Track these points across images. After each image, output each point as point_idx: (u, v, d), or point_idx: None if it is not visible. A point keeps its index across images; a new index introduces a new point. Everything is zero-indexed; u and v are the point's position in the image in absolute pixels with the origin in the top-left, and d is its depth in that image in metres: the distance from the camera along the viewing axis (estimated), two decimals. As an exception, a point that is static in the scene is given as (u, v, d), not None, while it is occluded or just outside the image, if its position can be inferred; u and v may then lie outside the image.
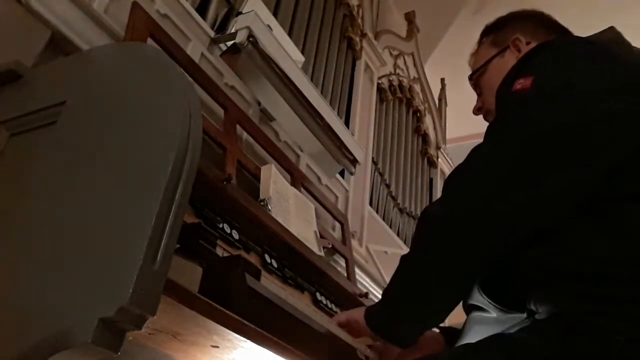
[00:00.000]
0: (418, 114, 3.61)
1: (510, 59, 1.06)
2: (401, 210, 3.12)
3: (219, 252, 1.05)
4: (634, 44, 0.92)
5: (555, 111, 0.80)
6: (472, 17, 4.07)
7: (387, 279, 2.56)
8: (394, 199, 3.05)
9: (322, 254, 1.61)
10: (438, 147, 3.83)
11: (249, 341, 0.84)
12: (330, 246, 1.82)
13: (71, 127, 0.79)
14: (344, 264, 1.92)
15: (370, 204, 2.70)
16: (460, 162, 0.88)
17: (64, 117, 0.79)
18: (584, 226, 0.77)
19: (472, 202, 0.82)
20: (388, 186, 3.00)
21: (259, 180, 1.49)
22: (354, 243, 2.26)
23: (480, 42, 1.19)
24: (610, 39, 0.90)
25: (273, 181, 1.48)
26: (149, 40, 1.24)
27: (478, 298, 0.87)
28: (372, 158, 2.81)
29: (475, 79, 1.16)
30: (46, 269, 0.64)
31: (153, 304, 0.58)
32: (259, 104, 1.77)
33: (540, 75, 0.84)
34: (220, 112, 1.48)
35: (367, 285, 2.34)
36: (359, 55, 2.81)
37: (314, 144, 1.95)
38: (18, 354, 0.58)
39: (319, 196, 1.88)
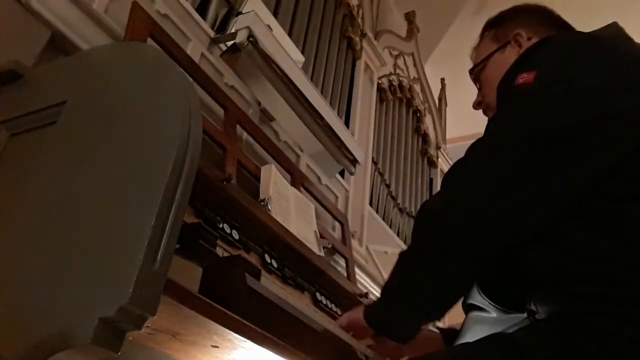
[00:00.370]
0: (418, 114, 3.61)
1: (511, 54, 1.05)
2: (401, 210, 3.12)
3: (219, 252, 1.05)
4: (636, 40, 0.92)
5: (558, 107, 0.79)
6: (472, 17, 4.07)
7: (387, 279, 2.56)
8: (394, 199, 3.05)
9: (322, 254, 1.61)
10: (438, 147, 3.83)
11: (249, 341, 0.84)
12: (330, 246, 1.82)
13: (71, 127, 0.79)
14: (344, 264, 1.92)
15: (370, 204, 2.70)
16: (462, 157, 0.87)
17: (64, 117, 0.79)
18: (584, 226, 0.76)
19: (471, 198, 0.81)
20: (388, 186, 3.00)
21: (259, 180, 1.49)
22: (354, 243, 2.26)
23: (482, 36, 1.19)
24: (613, 34, 0.90)
25: (273, 181, 1.48)
26: (149, 40, 1.24)
27: (477, 298, 0.87)
28: (372, 158, 2.81)
29: (476, 74, 1.15)
30: (46, 269, 0.64)
31: (153, 304, 0.58)
32: (259, 104, 1.77)
33: (543, 70, 0.83)
34: (220, 112, 1.48)
35: (367, 285, 2.34)
36: (359, 55, 2.81)
37: (314, 144, 1.95)
38: (18, 354, 0.58)
39: (319, 196, 1.88)
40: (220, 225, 1.10)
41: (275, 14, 2.05)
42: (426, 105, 3.76)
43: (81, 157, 0.74)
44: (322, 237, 1.70)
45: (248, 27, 1.55)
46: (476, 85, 1.17)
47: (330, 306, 1.42)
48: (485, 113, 1.13)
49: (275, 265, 1.26)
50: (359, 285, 1.92)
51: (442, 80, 4.12)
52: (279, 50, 1.69)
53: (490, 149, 0.84)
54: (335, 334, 1.06)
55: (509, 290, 0.83)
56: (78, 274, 0.61)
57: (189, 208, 1.02)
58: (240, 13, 1.71)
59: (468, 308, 0.93)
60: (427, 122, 3.73)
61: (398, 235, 2.97)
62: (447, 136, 4.04)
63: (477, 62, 1.15)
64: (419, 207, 0.93)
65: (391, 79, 3.27)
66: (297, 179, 1.74)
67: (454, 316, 1.00)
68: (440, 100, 4.06)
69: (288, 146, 1.91)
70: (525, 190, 0.78)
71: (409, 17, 3.73)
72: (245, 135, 1.63)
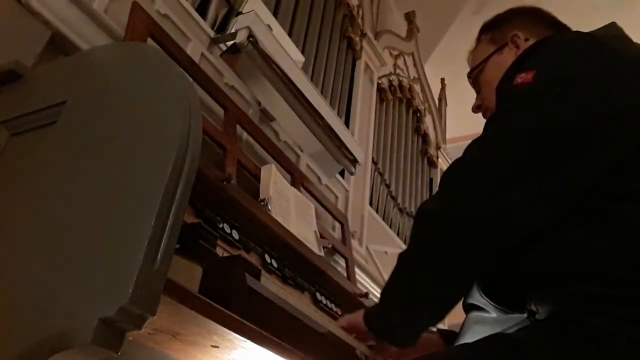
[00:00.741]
0: (418, 114, 3.61)
1: (509, 56, 1.05)
2: (401, 210, 3.12)
3: (219, 252, 1.05)
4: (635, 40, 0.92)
5: (559, 106, 0.79)
6: (472, 17, 4.07)
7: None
8: (394, 199, 3.05)
9: (322, 254, 1.61)
10: (438, 147, 3.83)
11: (249, 341, 0.84)
12: (330, 246, 1.82)
13: (71, 127, 0.79)
14: (344, 264, 1.92)
15: (370, 204, 2.70)
16: (460, 157, 0.87)
17: (64, 117, 0.79)
18: (585, 226, 0.76)
19: (470, 198, 0.80)
20: (388, 186, 3.00)
21: (259, 180, 1.49)
22: (354, 243, 2.26)
23: (478, 40, 1.19)
24: (612, 34, 0.90)
25: (273, 181, 1.48)
26: (149, 40, 1.24)
27: (477, 298, 0.87)
28: (372, 158, 2.81)
29: (474, 76, 1.15)
30: (46, 269, 0.64)
31: (153, 304, 0.58)
32: (259, 104, 1.77)
33: (542, 69, 0.83)
34: (220, 112, 1.48)
35: (367, 285, 2.34)
36: (359, 55, 2.81)
37: (314, 144, 1.95)
38: (18, 354, 0.58)
39: (319, 196, 1.88)
40: (220, 225, 1.10)
41: (275, 14, 2.05)
42: (426, 105, 3.76)
43: (81, 157, 0.74)
44: (322, 237, 1.70)
45: (248, 27, 1.55)
46: (475, 89, 1.17)
47: (330, 306, 1.42)
48: (484, 116, 1.13)
49: (275, 265, 1.26)
50: (359, 285, 1.92)
51: (442, 80, 4.12)
52: (279, 50, 1.69)
53: (489, 149, 0.83)
54: (338, 335, 1.06)
55: (509, 290, 0.82)
56: (78, 274, 0.61)
57: (189, 208, 1.02)
58: (240, 13, 1.71)
59: (468, 308, 0.92)
60: (427, 122, 3.73)
61: (398, 235, 2.97)
62: (447, 136, 4.04)
63: (475, 64, 1.15)
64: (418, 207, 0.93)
65: (391, 79, 3.27)
66: (297, 179, 1.74)
67: (454, 316, 0.99)
68: (440, 100, 4.06)
69: (288, 146, 1.91)
70: (526, 189, 0.78)
71: (409, 17, 3.73)
72: (245, 135, 1.63)
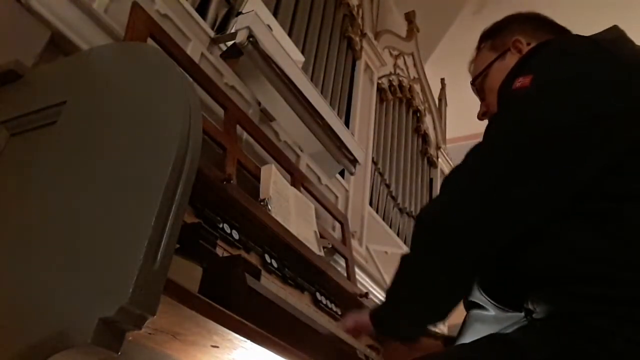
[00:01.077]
0: (418, 114, 3.61)
1: (511, 61, 1.05)
2: (401, 210, 3.12)
3: (219, 252, 1.05)
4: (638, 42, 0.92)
5: (557, 107, 0.80)
6: (472, 17, 4.08)
7: (387, 279, 2.57)
8: (394, 199, 3.05)
9: (322, 254, 1.61)
10: (438, 147, 3.83)
11: (249, 341, 0.84)
12: (330, 246, 1.82)
13: (71, 127, 0.79)
14: (344, 264, 1.92)
15: (370, 204, 2.70)
16: (461, 161, 0.88)
17: (64, 117, 0.79)
18: (584, 226, 0.76)
19: (469, 199, 0.81)
20: (388, 186, 3.00)
21: (259, 180, 1.49)
22: (354, 243, 2.26)
23: (478, 48, 1.19)
24: (613, 37, 0.90)
25: (273, 181, 1.48)
26: (149, 40, 1.24)
27: (477, 296, 0.88)
28: (372, 158, 2.81)
29: (478, 84, 1.15)
30: (46, 269, 0.64)
31: (153, 304, 0.58)
32: (259, 104, 1.77)
33: (539, 73, 0.84)
34: (220, 112, 1.48)
35: (367, 285, 2.34)
36: (359, 55, 2.81)
37: (314, 144, 1.95)
38: (18, 354, 0.58)
39: (319, 196, 1.88)
40: (220, 225, 1.10)
41: (275, 14, 2.05)
42: (426, 105, 3.76)
43: (81, 157, 0.74)
44: (322, 237, 1.70)
45: (248, 27, 1.55)
46: (479, 97, 1.17)
47: (330, 306, 1.42)
48: None
49: (275, 265, 1.26)
50: (359, 285, 1.92)
51: (442, 80, 4.12)
52: (279, 50, 1.69)
53: (488, 151, 0.85)
54: (339, 335, 1.06)
55: (508, 289, 0.83)
56: (78, 274, 0.61)
57: (189, 208, 1.02)
58: (240, 13, 1.71)
59: (469, 305, 0.93)
60: (427, 122, 3.73)
61: (398, 235, 2.97)
62: (447, 136, 4.04)
63: (477, 72, 1.15)
64: (419, 207, 0.94)
65: (391, 79, 3.27)
66: (297, 179, 1.74)
67: (454, 316, 1.00)
68: (440, 100, 4.06)
69: (288, 146, 1.91)
70: (526, 188, 0.78)
71: (409, 17, 3.73)
72: (245, 135, 1.63)
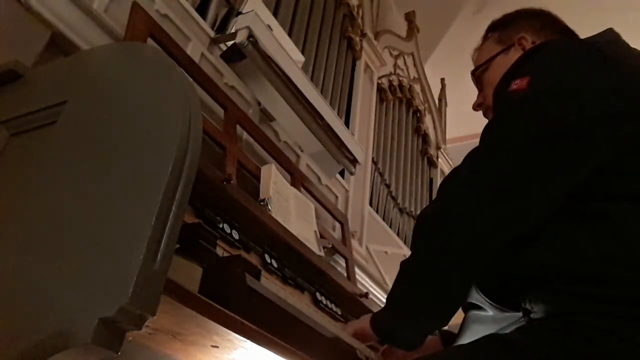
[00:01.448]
0: (418, 114, 3.61)
1: (514, 57, 1.05)
2: (401, 210, 3.12)
3: (219, 252, 1.05)
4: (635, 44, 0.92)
5: (555, 110, 0.80)
6: (472, 17, 4.08)
7: (387, 279, 2.57)
8: (394, 199, 3.05)
9: (322, 254, 1.61)
10: (438, 147, 3.83)
11: (249, 341, 0.84)
12: (330, 246, 1.82)
13: (71, 127, 0.79)
14: (344, 264, 1.92)
15: (370, 204, 2.70)
16: (460, 162, 0.88)
17: (64, 117, 0.79)
18: (585, 226, 0.77)
19: (468, 203, 0.81)
20: (388, 186, 3.00)
21: (259, 180, 1.49)
22: (354, 243, 2.26)
23: (485, 38, 1.19)
24: (609, 40, 0.90)
25: (273, 181, 1.48)
26: (149, 40, 1.24)
27: (476, 296, 0.88)
28: (372, 158, 2.81)
29: (478, 75, 1.15)
30: (46, 269, 0.64)
31: (153, 304, 0.58)
32: (259, 104, 1.77)
33: (535, 76, 0.84)
34: (220, 112, 1.48)
35: (367, 285, 2.33)
36: (359, 55, 2.81)
37: (314, 144, 1.95)
38: (18, 354, 0.58)
39: (319, 196, 1.88)
40: (220, 225, 1.10)
41: (275, 14, 2.05)
42: (426, 105, 3.76)
43: (81, 157, 0.74)
44: (322, 237, 1.70)
45: (248, 27, 1.55)
46: (477, 87, 1.17)
47: (330, 306, 1.42)
48: (485, 115, 1.13)
49: (275, 265, 1.26)
50: (359, 285, 1.92)
51: (442, 80, 4.12)
52: (279, 50, 1.69)
53: (486, 154, 0.85)
54: (339, 336, 1.06)
55: (506, 289, 0.83)
56: (78, 274, 0.61)
57: (189, 208, 1.02)
58: (240, 13, 1.71)
59: (467, 306, 0.93)
60: (427, 122, 3.73)
61: (398, 235, 2.97)
62: (447, 136, 4.04)
63: (479, 63, 1.15)
64: (419, 207, 0.94)
65: (391, 79, 3.27)
66: (297, 179, 1.74)
67: (454, 317, 1.00)
68: (440, 100, 4.06)
69: (288, 146, 1.91)
70: (527, 189, 0.78)
71: (409, 17, 3.73)
72: (245, 135, 1.63)
